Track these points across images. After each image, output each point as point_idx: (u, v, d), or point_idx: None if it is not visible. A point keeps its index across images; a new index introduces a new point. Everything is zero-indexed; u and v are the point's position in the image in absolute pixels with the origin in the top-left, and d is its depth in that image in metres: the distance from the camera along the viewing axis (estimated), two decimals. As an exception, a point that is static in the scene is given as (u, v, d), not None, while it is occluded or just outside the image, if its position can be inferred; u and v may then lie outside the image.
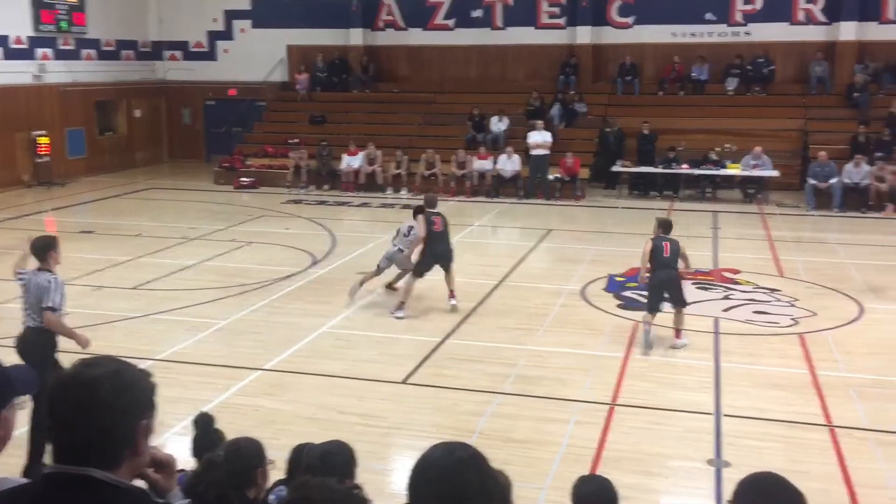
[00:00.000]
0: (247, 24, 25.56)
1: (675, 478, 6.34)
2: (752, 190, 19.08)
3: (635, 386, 8.05)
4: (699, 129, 20.43)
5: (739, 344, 9.36)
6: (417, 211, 10.83)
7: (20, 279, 6.57)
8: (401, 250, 10.89)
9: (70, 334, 6.59)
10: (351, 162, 20.65)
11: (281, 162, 21.48)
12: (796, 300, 10.96)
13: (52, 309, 6.36)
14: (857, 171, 17.85)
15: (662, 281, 9.19)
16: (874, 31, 21.14)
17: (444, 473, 1.73)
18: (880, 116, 19.39)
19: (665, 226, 9.56)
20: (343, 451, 3.27)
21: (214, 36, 25.93)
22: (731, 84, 21.60)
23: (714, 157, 19.27)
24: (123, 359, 1.96)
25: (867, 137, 18.79)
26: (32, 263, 6.59)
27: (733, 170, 19.01)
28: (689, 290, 11.11)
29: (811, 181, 18.06)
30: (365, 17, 24.56)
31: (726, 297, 11.14)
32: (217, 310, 10.50)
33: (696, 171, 19.21)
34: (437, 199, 11.23)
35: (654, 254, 9.19)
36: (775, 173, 18.79)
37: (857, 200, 17.74)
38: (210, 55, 26.01)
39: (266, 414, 7.35)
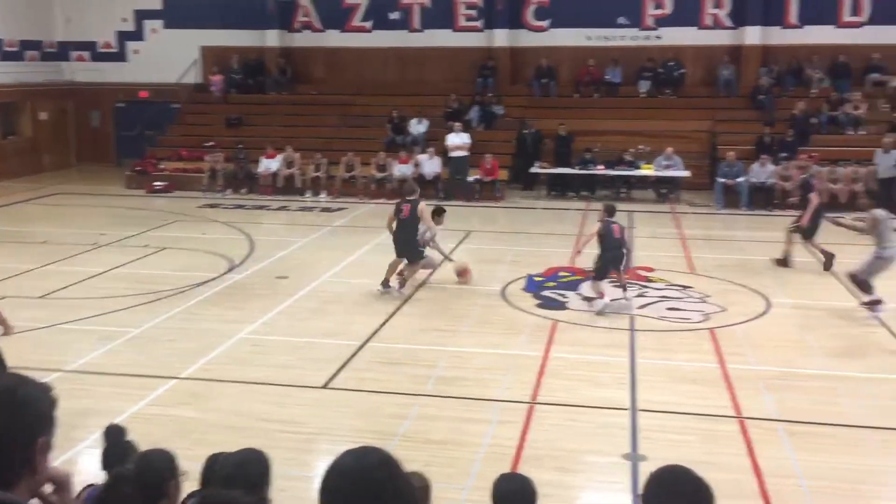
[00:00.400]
0: (158, 24, 24.93)
1: (593, 473, 6.46)
2: (664, 190, 19.63)
3: (554, 384, 8.16)
4: (614, 131, 20.86)
5: (654, 340, 9.60)
6: (436, 212, 12.04)
7: None
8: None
9: (2, 320, 6.62)
10: (268, 165, 20.37)
11: (196, 165, 21.03)
12: (707, 296, 11.30)
13: None
14: (763, 171, 18.53)
15: (614, 259, 10.64)
16: (777, 36, 22.00)
17: (355, 479, 1.72)
18: (784, 118, 20.16)
19: (610, 210, 10.99)
20: (258, 460, 3.21)
21: (124, 36, 25.20)
22: (644, 87, 22.16)
23: (628, 157, 19.74)
24: (27, 372, 1.89)
25: (772, 138, 19.52)
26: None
27: (647, 170, 19.51)
28: (606, 288, 11.35)
29: (720, 180, 18.68)
30: (281, 18, 24.26)
31: (641, 295, 11.40)
32: (130, 318, 10.20)
33: (612, 172, 19.65)
34: (414, 189, 11.94)
35: (605, 236, 10.64)
36: (686, 173, 19.36)
37: (764, 199, 18.43)
38: (120, 56, 25.27)
39: (182, 424, 7.18)
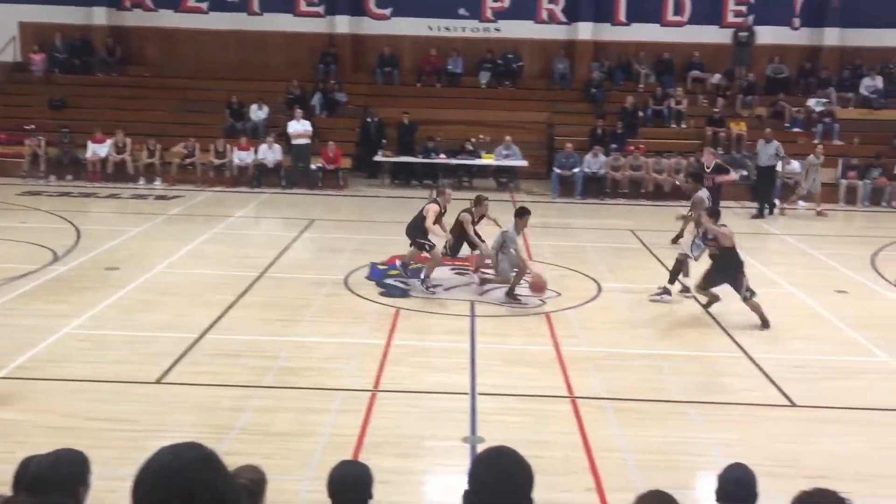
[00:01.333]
0: (-31, -4, 23.00)
1: (433, 457, 6.57)
2: (504, 179, 20.18)
3: (396, 371, 8.23)
4: (456, 121, 21.22)
5: (493, 325, 9.86)
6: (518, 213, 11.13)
7: None
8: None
9: None
10: (97, 150, 19.31)
11: (15, 150, 19.63)
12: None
13: None
14: (595, 162, 19.42)
15: None
16: (607, 32, 23.07)
17: (170, 477, 1.67)
18: (614, 111, 21.21)
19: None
20: (73, 460, 3.04)
21: (-70, 9, 23.09)
22: (484, 77, 22.67)
23: (470, 147, 20.14)
24: None
25: (604, 130, 20.49)
26: None
27: (487, 160, 19.99)
28: (445, 275, 11.56)
29: (557, 170, 19.42)
30: (110, -6, 23.00)
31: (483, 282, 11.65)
32: (-61, 315, 9.40)
33: (454, 161, 19.99)
34: (440, 189, 12.26)
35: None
36: (525, 163, 19.99)
37: (596, 188, 19.32)
38: (-75, 30, 23.13)
39: (0, 427, 6.71)
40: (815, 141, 20.11)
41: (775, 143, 18.19)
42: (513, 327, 9.81)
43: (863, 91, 22.07)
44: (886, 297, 11.63)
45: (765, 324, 9.76)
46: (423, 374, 8.21)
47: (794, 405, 7.71)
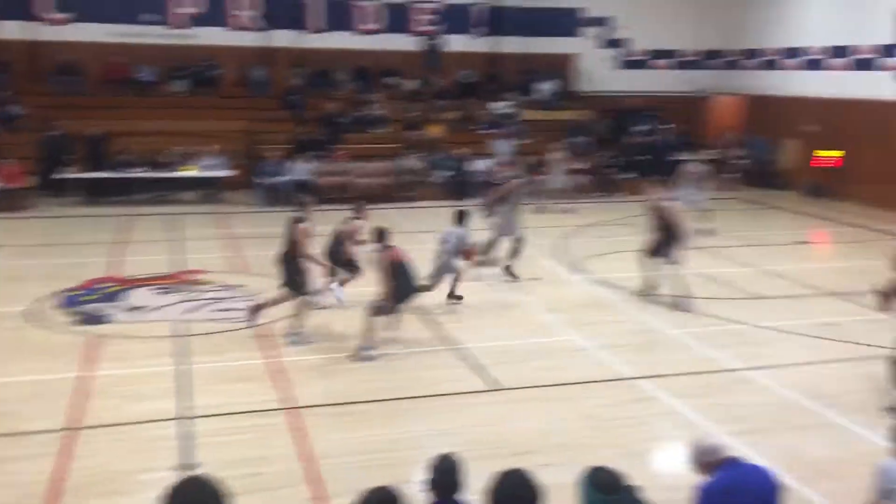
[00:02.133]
0: None
1: (149, 491, 6.11)
2: (207, 190, 19.49)
3: (99, 404, 7.63)
4: (151, 132, 20.08)
5: (203, 343, 9.48)
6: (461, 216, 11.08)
7: None
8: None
9: None
10: None
11: None
12: (258, 294, 11.43)
13: None
14: (300, 168, 19.41)
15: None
16: (305, 40, 23.14)
17: None
18: (315, 118, 21.34)
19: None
20: None
21: None
22: (179, 86, 21.74)
23: (168, 159, 19.22)
24: None
25: (308, 137, 20.54)
26: None
27: (188, 171, 19.19)
28: (148, 296, 10.93)
29: (261, 180, 19.13)
30: None
31: (187, 300, 11.17)
32: None
33: (151, 175, 18.95)
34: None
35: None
36: (229, 173, 19.46)
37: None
38: None
39: None
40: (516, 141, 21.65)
41: (510, 141, 19.33)
42: (223, 344, 9.49)
43: (539, 94, 24.26)
44: (572, 281, 12.88)
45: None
46: (129, 403, 7.69)
47: (498, 389, 8.27)
